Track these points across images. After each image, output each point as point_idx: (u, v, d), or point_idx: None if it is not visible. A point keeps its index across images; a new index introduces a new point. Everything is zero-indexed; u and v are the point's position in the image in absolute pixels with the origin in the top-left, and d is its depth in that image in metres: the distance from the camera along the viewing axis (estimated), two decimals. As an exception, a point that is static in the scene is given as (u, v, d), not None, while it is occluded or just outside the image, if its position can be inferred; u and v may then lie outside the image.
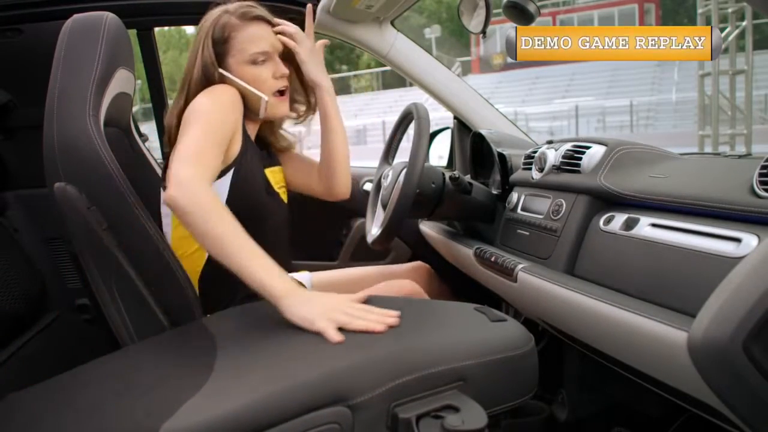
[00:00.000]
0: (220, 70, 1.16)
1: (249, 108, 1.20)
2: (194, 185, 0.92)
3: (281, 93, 1.22)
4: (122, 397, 0.77)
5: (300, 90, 1.33)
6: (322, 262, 1.87)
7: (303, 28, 1.29)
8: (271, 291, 0.86)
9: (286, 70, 1.22)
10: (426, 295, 1.41)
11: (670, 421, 1.10)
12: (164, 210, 1.15)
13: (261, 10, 1.21)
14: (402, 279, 1.41)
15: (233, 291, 1.18)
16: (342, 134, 1.34)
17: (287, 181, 1.37)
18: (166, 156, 1.17)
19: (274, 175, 1.28)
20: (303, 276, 1.40)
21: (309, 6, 1.33)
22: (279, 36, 1.24)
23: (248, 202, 1.15)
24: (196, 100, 1.10)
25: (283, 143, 1.35)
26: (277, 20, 1.25)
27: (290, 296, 0.85)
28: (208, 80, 1.15)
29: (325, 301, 0.86)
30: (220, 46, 1.16)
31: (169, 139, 1.17)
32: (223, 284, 1.17)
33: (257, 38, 1.18)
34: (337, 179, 1.35)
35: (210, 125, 1.04)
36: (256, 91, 1.18)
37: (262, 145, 1.32)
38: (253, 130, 1.27)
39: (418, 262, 1.63)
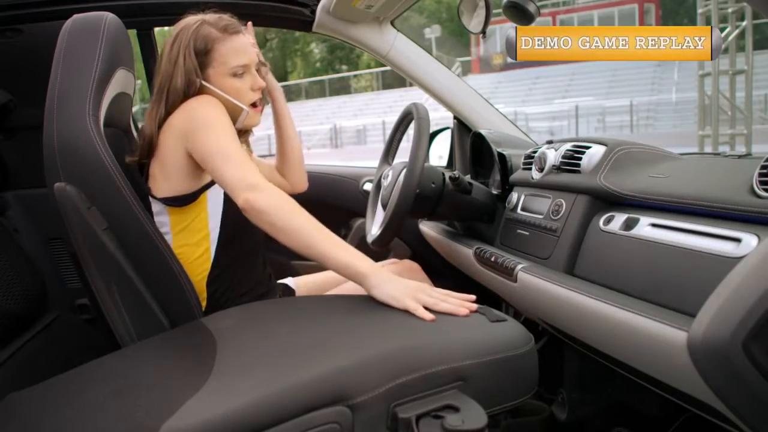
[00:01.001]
0: (203, 82, 1.17)
1: None
2: (267, 187, 0.99)
3: (254, 105, 1.24)
4: (122, 397, 0.77)
5: None
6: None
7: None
8: (357, 270, 0.93)
9: (263, 83, 1.24)
10: (426, 276, 1.46)
11: (670, 421, 1.10)
12: (159, 219, 1.15)
13: (237, 22, 1.21)
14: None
15: (236, 291, 1.19)
16: (294, 132, 1.45)
17: None
18: (146, 165, 1.16)
19: None
20: (287, 282, 1.41)
21: (249, 23, 1.34)
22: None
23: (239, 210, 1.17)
24: (195, 109, 1.10)
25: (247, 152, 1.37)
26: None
27: (375, 275, 0.92)
28: (189, 90, 1.15)
29: (408, 283, 0.92)
30: (201, 57, 1.16)
31: (149, 147, 1.14)
32: (228, 286, 1.19)
33: (239, 51, 1.19)
34: (297, 173, 1.46)
35: (228, 133, 1.08)
36: (238, 103, 1.19)
37: None
38: None
39: (395, 259, 1.63)
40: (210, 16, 1.19)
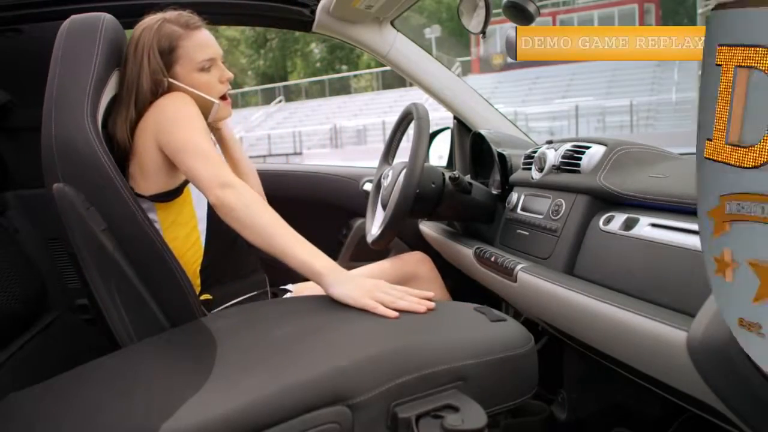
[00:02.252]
0: (171, 80, 1.17)
1: None
2: (239, 184, 1.01)
3: (223, 97, 1.24)
4: (122, 397, 0.77)
5: None
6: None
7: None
8: (314, 268, 0.94)
9: (230, 74, 1.24)
10: (434, 267, 1.46)
11: (670, 421, 1.10)
12: (149, 216, 1.16)
13: (198, 17, 1.21)
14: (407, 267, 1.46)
15: (226, 276, 1.22)
16: (239, 144, 1.41)
17: None
18: (126, 166, 1.15)
19: None
20: (288, 287, 1.42)
21: None
22: None
23: None
24: (165, 106, 1.11)
25: None
26: None
27: (332, 274, 0.94)
28: (157, 90, 1.15)
29: (365, 282, 0.92)
30: (167, 55, 1.16)
31: (124, 152, 1.13)
32: (219, 272, 1.21)
33: (204, 45, 1.19)
34: (254, 188, 1.40)
35: (199, 129, 1.08)
36: (208, 97, 1.19)
37: None
38: None
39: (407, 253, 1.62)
40: (170, 14, 1.19)
